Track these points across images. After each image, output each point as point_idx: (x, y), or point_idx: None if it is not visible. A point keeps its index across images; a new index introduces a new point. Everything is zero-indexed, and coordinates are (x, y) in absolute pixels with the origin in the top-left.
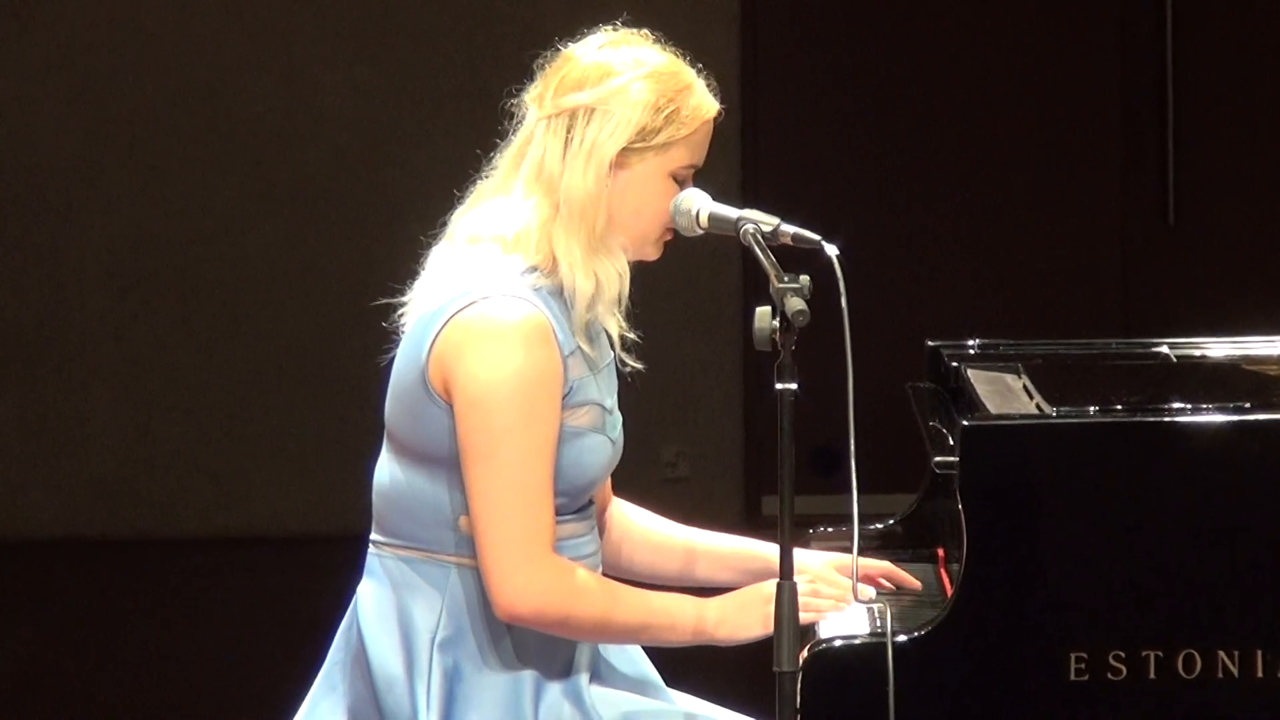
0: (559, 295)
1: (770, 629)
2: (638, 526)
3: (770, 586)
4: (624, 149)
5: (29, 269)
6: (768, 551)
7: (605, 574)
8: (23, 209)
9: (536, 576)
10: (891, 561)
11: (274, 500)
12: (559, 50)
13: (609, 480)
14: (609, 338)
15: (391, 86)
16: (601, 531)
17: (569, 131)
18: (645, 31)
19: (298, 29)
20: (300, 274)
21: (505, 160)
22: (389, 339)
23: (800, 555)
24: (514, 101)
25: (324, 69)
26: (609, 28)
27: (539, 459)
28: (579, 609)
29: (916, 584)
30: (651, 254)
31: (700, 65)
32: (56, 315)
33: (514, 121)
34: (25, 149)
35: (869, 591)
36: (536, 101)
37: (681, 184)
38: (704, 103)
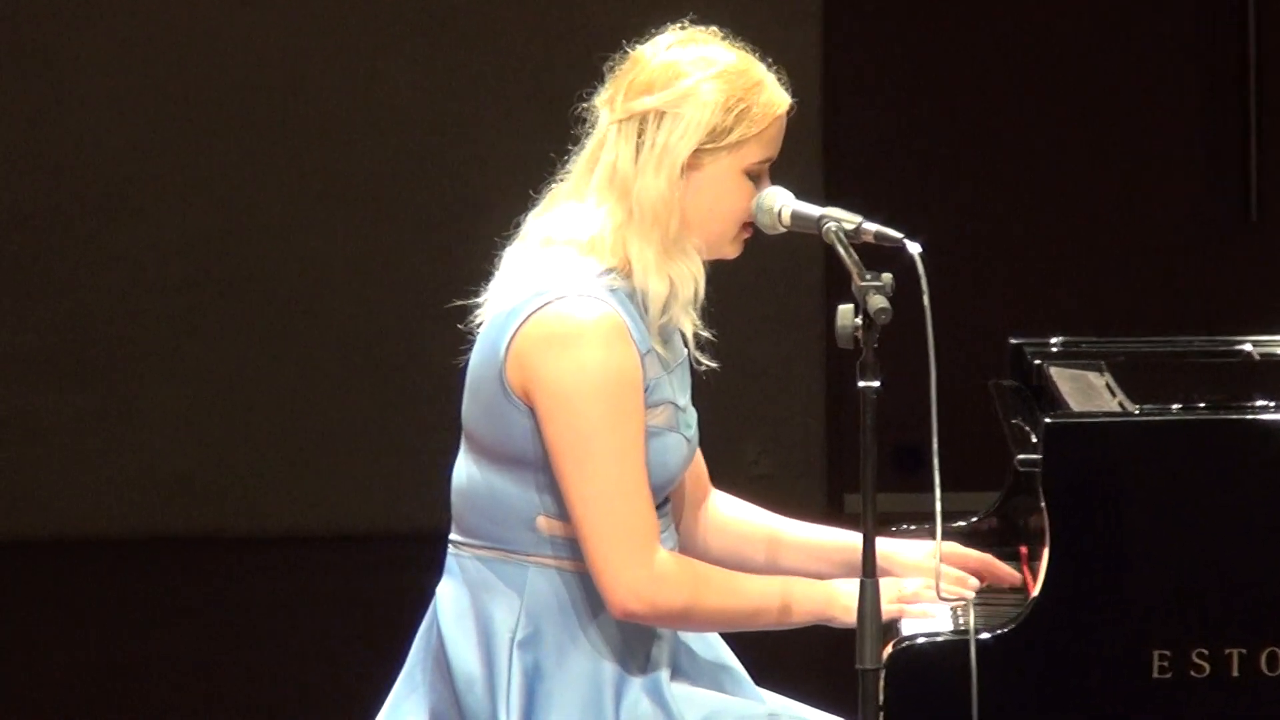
0: (634, 297)
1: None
2: (726, 516)
3: (892, 579)
4: (696, 150)
5: (100, 267)
6: (857, 541)
7: None
8: (92, 207)
9: (649, 572)
10: None
11: (352, 498)
12: (627, 52)
13: (705, 472)
14: (683, 336)
15: (463, 83)
16: (697, 524)
17: (640, 135)
18: (714, 28)
19: (368, 25)
20: (375, 271)
21: (579, 165)
22: (465, 337)
23: (896, 547)
24: (584, 106)
25: (395, 65)
26: (677, 26)
27: (632, 454)
28: (698, 600)
29: (1015, 576)
30: (730, 252)
31: (769, 60)
32: (129, 313)
33: (586, 125)
34: (93, 147)
35: (958, 589)
36: (607, 105)
37: (756, 180)
38: (775, 98)
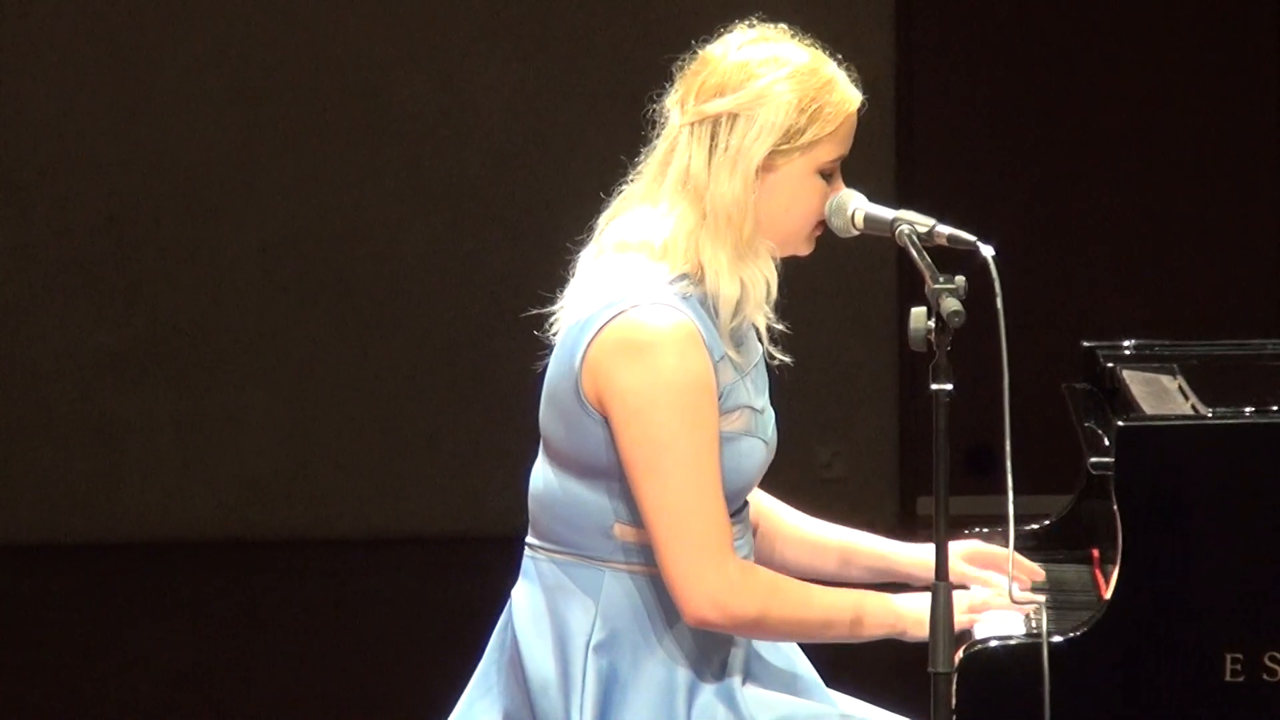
0: (706, 304)
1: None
2: (787, 524)
3: (964, 591)
4: (770, 152)
5: (185, 268)
6: (916, 556)
7: None
8: (179, 208)
9: (724, 580)
10: (1045, 563)
11: (430, 500)
12: (696, 52)
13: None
14: (757, 333)
15: (548, 85)
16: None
17: (713, 139)
18: (783, 26)
19: (454, 28)
20: (456, 274)
21: (650, 167)
22: (544, 337)
23: (899, 549)
24: (655, 107)
25: (480, 68)
26: (745, 25)
27: (707, 462)
28: (772, 609)
29: (1039, 572)
30: (803, 249)
31: (839, 57)
32: (212, 315)
33: (657, 127)
34: (182, 148)
35: (1027, 593)
36: (678, 106)
37: (828, 177)
38: (847, 96)
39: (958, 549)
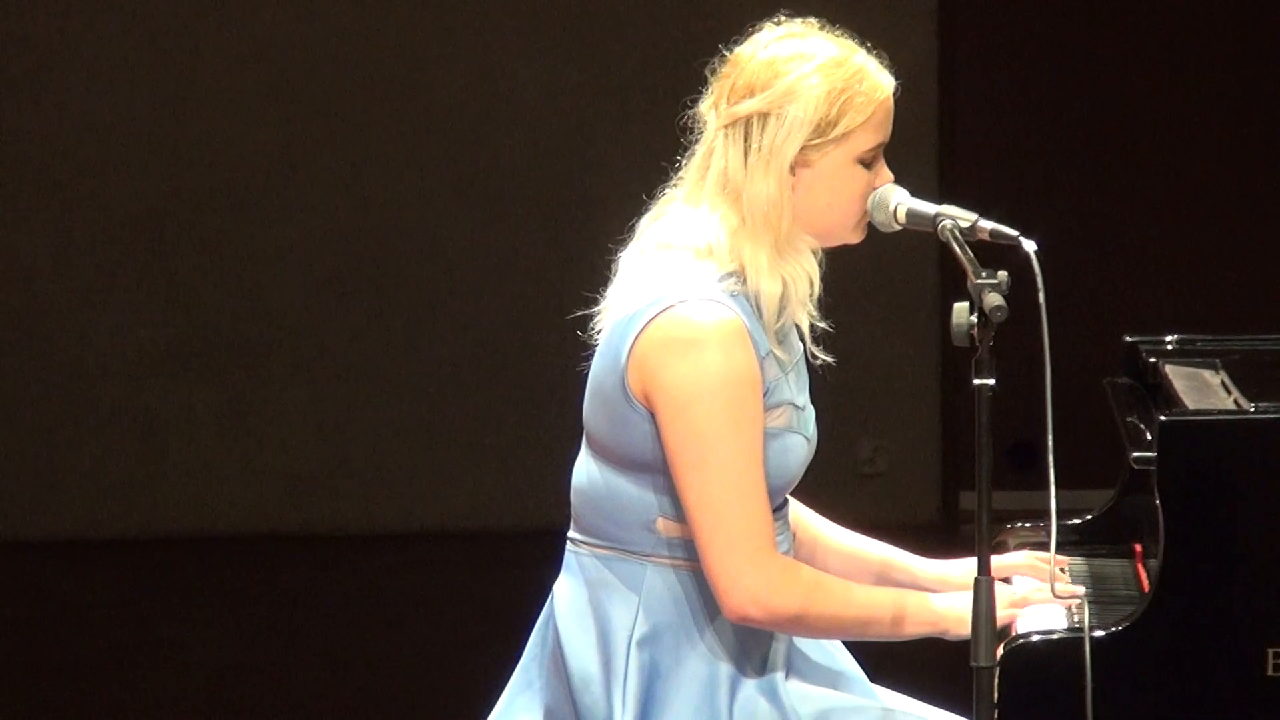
0: (752, 301)
1: (1004, 622)
2: (825, 535)
3: (1006, 585)
4: (804, 147)
5: (227, 264)
6: (958, 574)
7: None
8: (220, 204)
9: (765, 576)
10: (1088, 558)
11: (471, 495)
12: (725, 55)
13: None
14: (799, 331)
15: (588, 81)
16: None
17: (747, 140)
18: (812, 20)
19: (495, 23)
20: (497, 269)
21: (691, 172)
22: (587, 338)
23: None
24: (689, 113)
25: (521, 64)
26: (773, 22)
27: (751, 459)
28: (812, 606)
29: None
30: (853, 238)
31: (869, 45)
32: (253, 310)
33: (694, 132)
34: (222, 144)
35: (1069, 587)
36: (713, 110)
37: (869, 165)
38: (879, 84)
39: (1016, 559)
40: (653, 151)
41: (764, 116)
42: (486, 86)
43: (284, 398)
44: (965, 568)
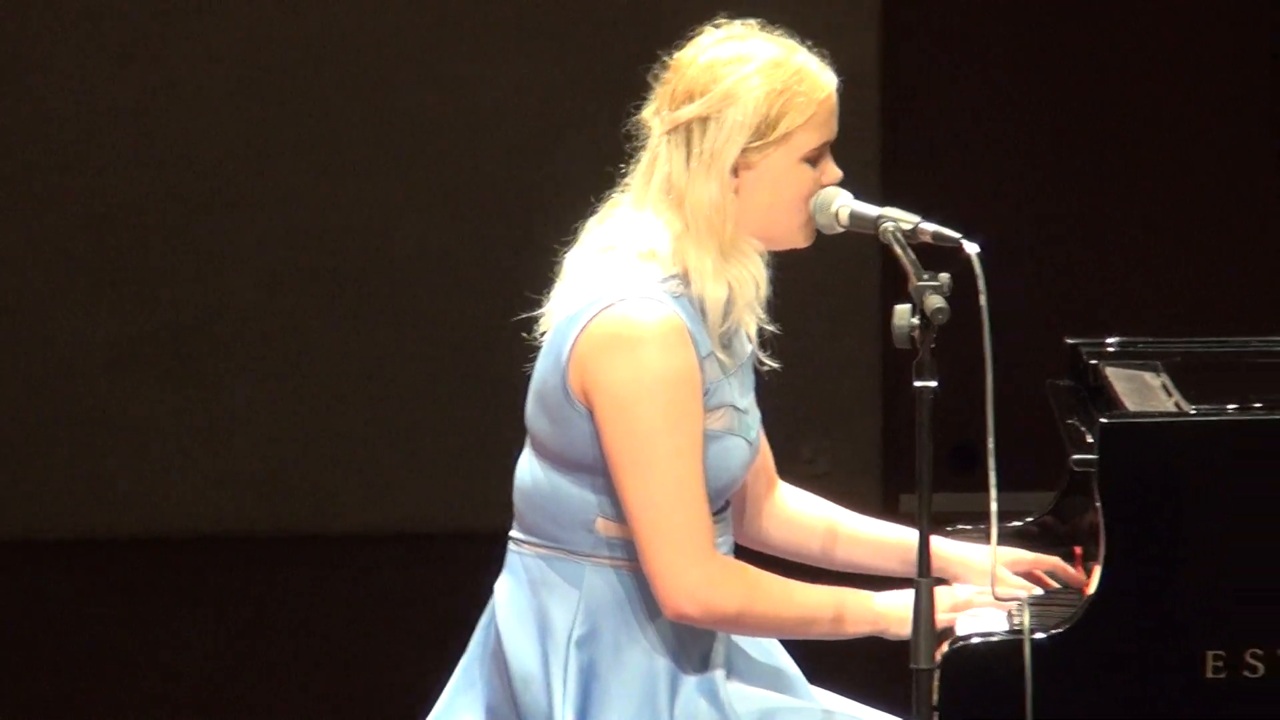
0: (695, 304)
1: (944, 625)
2: (789, 508)
3: (947, 588)
4: (745, 150)
5: (189, 264)
6: (960, 554)
7: (740, 552)
8: (183, 204)
9: (704, 575)
10: None
11: (420, 497)
12: (665, 61)
13: (772, 465)
14: (747, 335)
15: (554, 82)
16: (759, 515)
17: (688, 145)
18: (751, 21)
19: (460, 25)
20: (453, 271)
21: (637, 178)
22: (532, 340)
23: (965, 551)
24: (634, 121)
25: (484, 67)
26: (712, 25)
27: (690, 458)
28: (753, 605)
29: (1083, 579)
30: (801, 240)
31: (810, 43)
32: (213, 310)
33: (639, 139)
34: (187, 145)
35: (1012, 590)
36: (655, 117)
37: (815, 164)
38: (819, 83)
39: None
40: (604, 155)
41: (704, 121)
42: (451, 88)
43: (244, 398)
44: (978, 551)
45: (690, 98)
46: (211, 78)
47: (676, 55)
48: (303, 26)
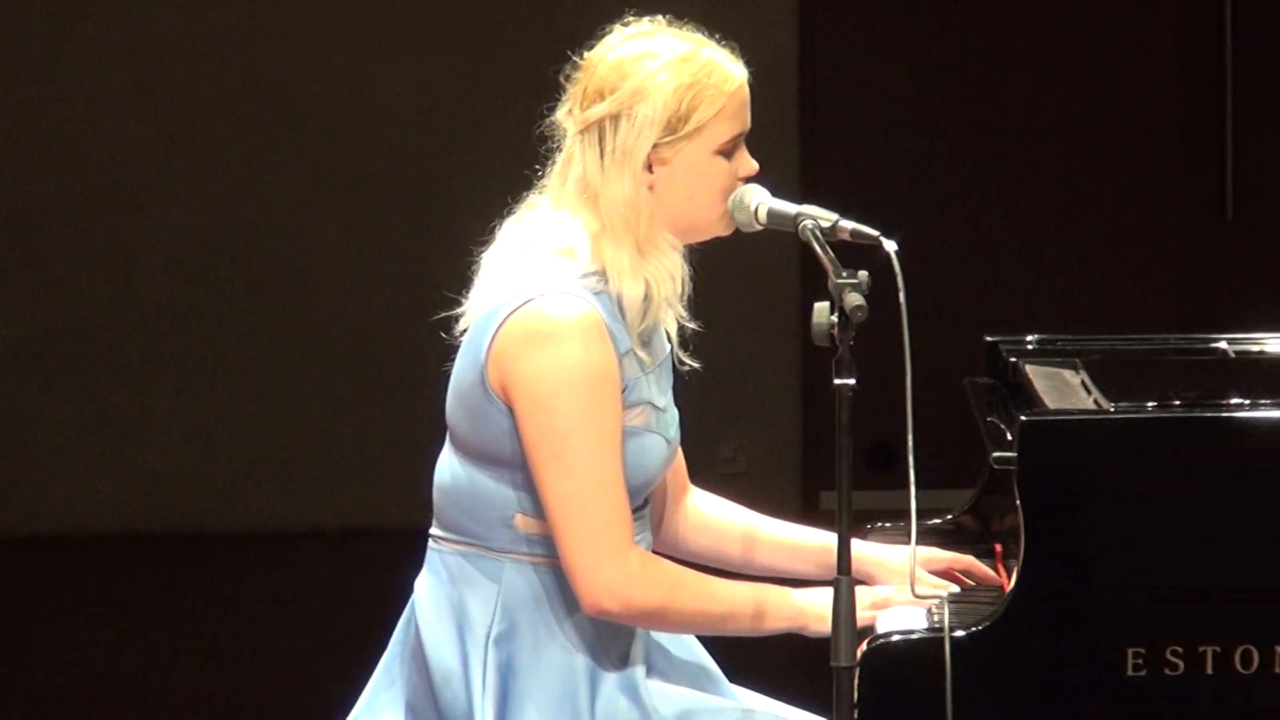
0: (614, 301)
1: (864, 623)
2: (704, 513)
3: (866, 587)
4: (656, 145)
5: (93, 262)
6: (834, 543)
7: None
8: (87, 202)
9: (623, 570)
10: None
11: (335, 494)
12: (576, 61)
13: (684, 469)
14: (667, 334)
15: (453, 81)
16: (675, 521)
17: (601, 143)
18: (659, 17)
19: (360, 23)
20: (362, 268)
21: (553, 179)
22: (450, 339)
23: (883, 552)
24: (546, 122)
25: (386, 64)
26: (621, 24)
27: (609, 453)
28: (673, 601)
29: (997, 577)
30: (722, 230)
31: (718, 36)
32: (120, 308)
33: (552, 140)
34: (90, 142)
35: (932, 588)
36: (568, 118)
37: (730, 156)
38: (728, 75)
39: (920, 555)
40: (517, 153)
41: (615, 119)
42: (352, 87)
43: (149, 397)
44: (895, 552)
45: (600, 96)
46: (112, 77)
47: (587, 55)
48: (201, 26)
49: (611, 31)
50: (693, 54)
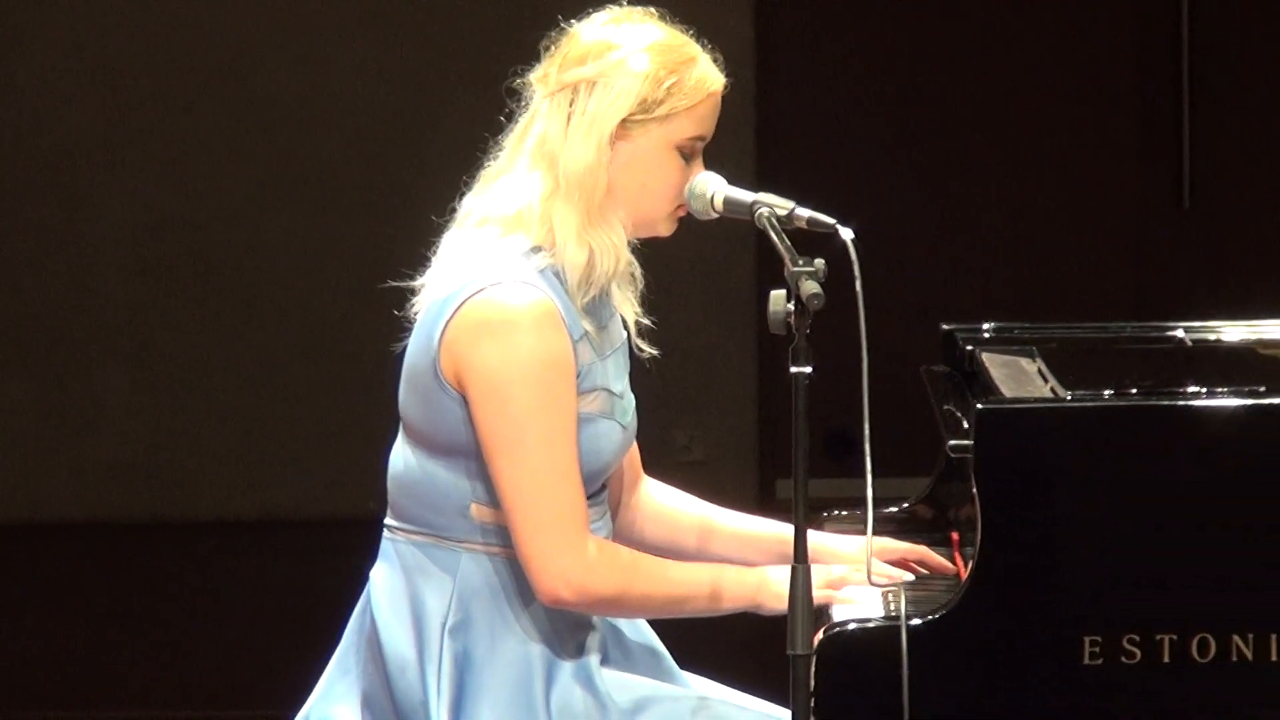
0: (561, 275)
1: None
2: (658, 503)
3: (821, 566)
4: (625, 120)
5: (46, 253)
6: (788, 533)
7: None
8: (40, 193)
9: (579, 558)
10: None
11: (290, 484)
12: (564, 29)
13: (638, 459)
14: (624, 322)
15: (408, 69)
16: (628, 510)
17: (571, 105)
18: (651, 9)
19: (315, 11)
20: (317, 257)
21: (511, 139)
22: (404, 323)
23: (835, 542)
24: (520, 82)
25: (341, 51)
26: (613, 6)
27: (563, 442)
28: (630, 587)
29: (950, 567)
30: (663, 230)
31: (705, 40)
32: (73, 299)
33: (520, 103)
34: (42, 133)
35: (888, 572)
36: (541, 81)
37: (688, 158)
38: (708, 75)
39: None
40: (473, 139)
41: (591, 84)
42: (307, 74)
43: (104, 385)
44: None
45: (582, 61)
46: (66, 66)
47: (573, 25)
48: (156, 15)
49: (601, 10)
50: (681, 46)
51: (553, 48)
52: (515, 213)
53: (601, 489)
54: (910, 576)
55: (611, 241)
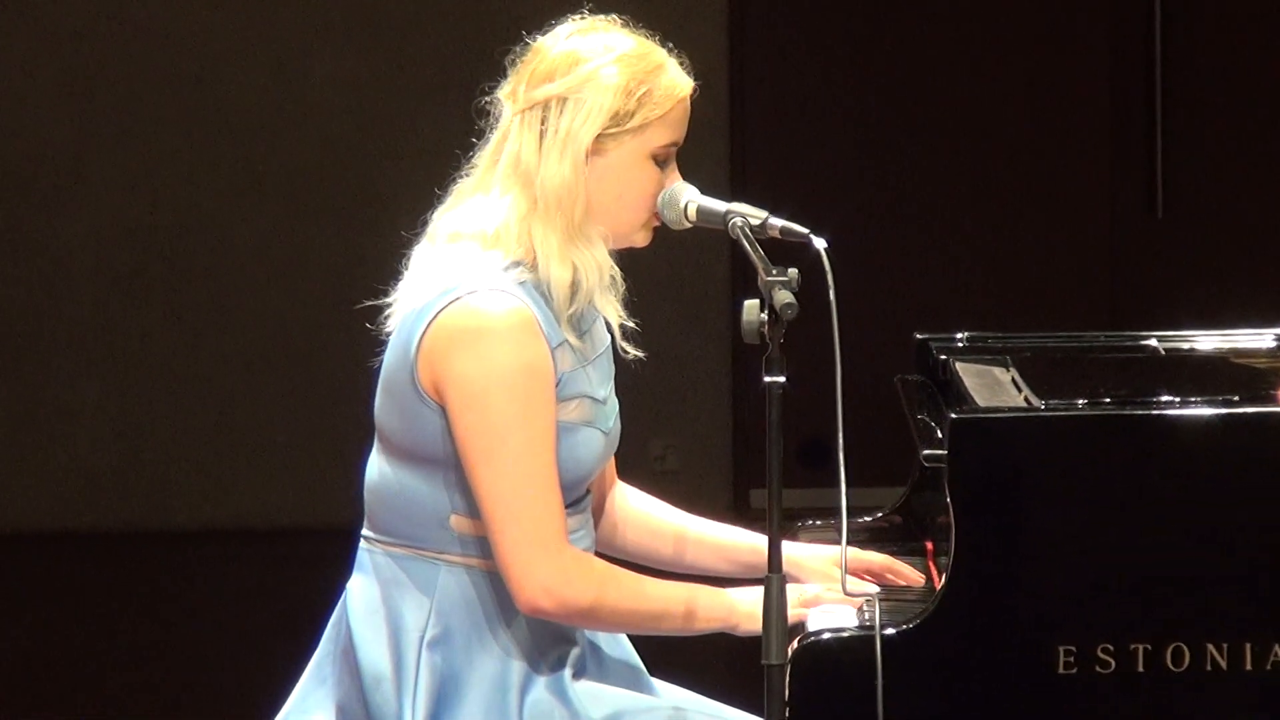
0: (542, 289)
1: (795, 620)
2: (633, 509)
3: (797, 584)
4: (600, 135)
5: (17, 260)
6: (762, 543)
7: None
8: (10, 200)
9: (558, 568)
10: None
11: (263, 493)
12: (528, 43)
13: (613, 466)
14: (608, 326)
15: (380, 78)
16: (603, 516)
17: (543, 123)
18: (614, 17)
19: (286, 20)
20: (289, 266)
21: (484, 158)
22: (377, 332)
23: (801, 551)
24: (488, 100)
25: (313, 60)
26: (576, 16)
27: (542, 451)
28: (606, 599)
29: (918, 578)
30: (640, 240)
31: (670, 46)
32: (44, 307)
33: (490, 119)
34: (13, 140)
35: (861, 585)
36: (510, 97)
37: (663, 164)
38: (677, 81)
39: (832, 554)
40: (444, 147)
41: (562, 101)
42: (278, 82)
43: (75, 394)
44: (813, 552)
45: (551, 78)
46: (36, 72)
47: (539, 39)
48: (127, 22)
49: (564, 22)
50: (648, 54)
51: (519, 62)
52: (493, 231)
53: (585, 494)
54: (876, 589)
55: (594, 257)
